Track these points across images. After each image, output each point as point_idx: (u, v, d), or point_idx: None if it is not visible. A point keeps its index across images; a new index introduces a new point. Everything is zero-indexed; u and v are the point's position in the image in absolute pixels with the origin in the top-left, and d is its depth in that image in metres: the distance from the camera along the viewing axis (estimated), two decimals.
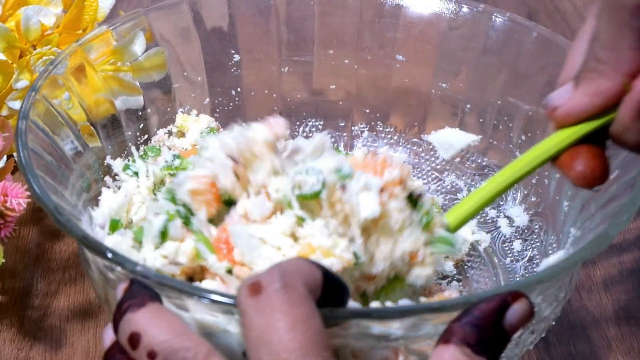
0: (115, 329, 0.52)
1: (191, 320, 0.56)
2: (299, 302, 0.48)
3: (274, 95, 0.87)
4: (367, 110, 0.84)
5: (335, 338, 0.55)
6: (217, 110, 0.86)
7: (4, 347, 0.74)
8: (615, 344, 0.76)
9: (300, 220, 0.62)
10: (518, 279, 0.76)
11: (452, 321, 0.52)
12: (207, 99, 0.85)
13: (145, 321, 0.51)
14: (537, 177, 0.79)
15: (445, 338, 0.51)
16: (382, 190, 0.63)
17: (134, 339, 0.50)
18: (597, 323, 0.78)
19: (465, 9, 0.82)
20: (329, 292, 0.51)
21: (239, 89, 0.86)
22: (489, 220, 0.82)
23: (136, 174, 0.75)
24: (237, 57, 0.85)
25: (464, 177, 0.85)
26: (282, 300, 0.47)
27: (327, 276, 0.51)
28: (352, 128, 0.88)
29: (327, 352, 0.47)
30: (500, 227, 0.82)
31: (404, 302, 0.64)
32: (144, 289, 0.54)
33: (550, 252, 0.74)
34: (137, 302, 0.52)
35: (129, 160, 0.78)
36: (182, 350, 0.49)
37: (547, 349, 0.75)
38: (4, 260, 0.73)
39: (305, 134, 0.88)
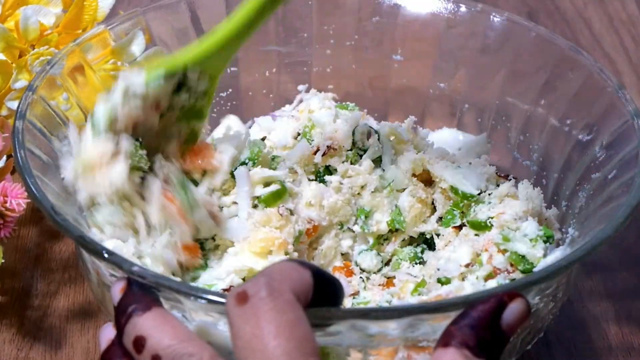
0: (121, 332, 0.52)
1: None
2: (285, 309, 0.48)
3: (272, 96, 0.87)
4: (365, 110, 0.84)
5: (331, 337, 0.55)
6: (215, 110, 0.86)
7: (4, 347, 0.73)
8: (616, 343, 0.76)
9: None
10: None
11: (450, 324, 0.52)
12: None
13: (150, 325, 0.51)
14: (535, 177, 0.79)
15: (444, 341, 0.51)
16: None
17: (139, 343, 0.51)
18: (597, 323, 0.77)
19: (463, 8, 0.82)
20: (323, 291, 0.51)
21: (236, 89, 0.86)
22: None
23: None
24: (234, 57, 0.85)
25: None
26: (268, 308, 0.48)
27: (318, 276, 0.51)
28: None
29: (314, 358, 0.47)
30: None
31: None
32: (144, 290, 0.54)
33: (547, 252, 0.74)
34: (142, 305, 0.52)
35: None
36: (185, 355, 0.50)
37: (547, 349, 0.75)
38: (3, 261, 0.72)
39: None
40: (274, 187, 0.71)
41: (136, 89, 0.66)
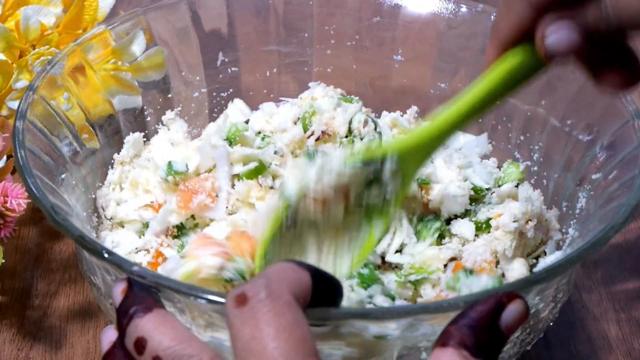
0: (122, 333, 0.52)
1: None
2: (283, 311, 0.48)
3: (272, 96, 0.87)
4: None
5: (331, 338, 0.55)
6: (215, 110, 0.86)
7: (4, 347, 0.74)
8: (616, 344, 0.76)
9: None
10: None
11: (449, 324, 0.52)
12: (205, 99, 0.85)
13: (150, 327, 0.51)
14: (535, 177, 0.79)
15: (442, 341, 0.51)
16: None
17: (140, 344, 0.51)
18: (597, 323, 0.78)
19: (464, 8, 0.82)
20: (322, 292, 0.51)
21: (237, 89, 0.86)
22: None
23: None
24: (235, 57, 0.85)
25: None
26: (267, 309, 0.48)
27: (317, 276, 0.51)
28: None
29: (313, 359, 0.47)
30: None
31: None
32: (145, 291, 0.54)
33: (548, 252, 0.74)
34: (143, 307, 0.52)
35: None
36: (185, 357, 0.50)
37: (547, 349, 0.75)
38: (3, 261, 0.73)
39: None
40: (252, 165, 0.72)
41: (333, 165, 0.63)
